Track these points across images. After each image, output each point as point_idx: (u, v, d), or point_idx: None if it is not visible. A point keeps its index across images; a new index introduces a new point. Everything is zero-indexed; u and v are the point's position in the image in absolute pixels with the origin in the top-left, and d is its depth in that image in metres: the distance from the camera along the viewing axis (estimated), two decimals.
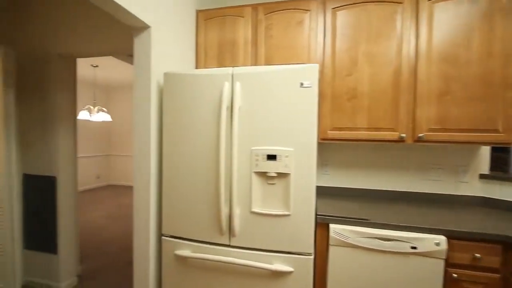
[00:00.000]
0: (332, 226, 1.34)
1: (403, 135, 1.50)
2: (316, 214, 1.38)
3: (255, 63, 1.75)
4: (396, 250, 1.24)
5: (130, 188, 6.34)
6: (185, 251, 1.39)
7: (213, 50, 1.83)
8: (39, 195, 2.13)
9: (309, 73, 1.19)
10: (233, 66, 1.32)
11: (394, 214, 1.42)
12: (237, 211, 1.28)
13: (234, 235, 1.30)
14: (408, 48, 1.51)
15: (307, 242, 1.23)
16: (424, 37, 1.49)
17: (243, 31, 1.77)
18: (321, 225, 1.38)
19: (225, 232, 1.31)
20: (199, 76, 1.34)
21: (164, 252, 1.44)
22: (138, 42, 1.42)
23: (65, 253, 2.16)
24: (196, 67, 1.87)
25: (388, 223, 1.27)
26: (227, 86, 1.27)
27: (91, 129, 6.08)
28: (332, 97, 1.62)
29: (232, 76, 1.29)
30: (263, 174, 1.26)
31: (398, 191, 1.82)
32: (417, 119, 1.50)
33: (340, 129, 1.60)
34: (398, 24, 1.53)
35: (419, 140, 1.50)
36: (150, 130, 1.41)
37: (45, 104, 2.09)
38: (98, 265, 2.59)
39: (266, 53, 1.73)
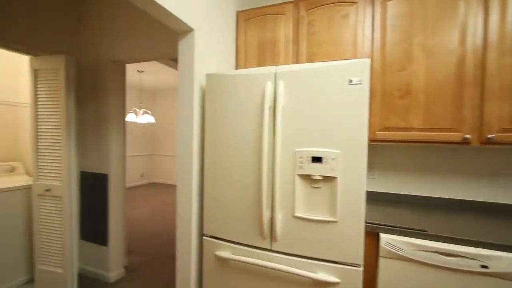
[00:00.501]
0: (383, 236, 1.23)
1: (468, 136, 1.32)
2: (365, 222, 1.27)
3: (297, 61, 1.69)
4: (461, 268, 1.08)
5: (171, 187, 6.67)
6: (225, 253, 1.38)
7: (253, 50, 1.81)
8: (93, 191, 2.32)
9: (359, 69, 1.10)
10: (275, 65, 1.28)
11: (457, 226, 1.25)
12: (279, 215, 1.24)
13: (275, 240, 1.25)
14: (474, 37, 1.33)
15: (356, 252, 1.13)
16: (495, 24, 1.29)
17: (284, 29, 1.72)
18: (370, 234, 1.27)
19: (266, 236, 1.28)
20: (241, 76, 1.33)
21: (205, 251, 1.45)
22: (182, 45, 1.46)
23: (114, 246, 2.32)
24: (236, 68, 1.87)
25: (453, 236, 1.12)
26: (269, 85, 1.23)
27: (136, 130, 6.53)
28: (381, 95, 1.49)
29: (275, 75, 1.25)
30: (307, 177, 1.20)
31: (459, 200, 1.61)
32: (485, 118, 1.30)
33: (390, 129, 1.47)
34: (461, 9, 1.35)
35: (487, 142, 1.30)
36: (193, 131, 1.43)
37: (99, 107, 2.27)
38: (142, 258, 2.74)
39: (308, 50, 1.66)
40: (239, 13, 1.86)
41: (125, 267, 2.50)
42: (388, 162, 1.77)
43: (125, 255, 2.55)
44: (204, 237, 1.46)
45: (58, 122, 2.04)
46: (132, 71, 4.75)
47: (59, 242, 2.09)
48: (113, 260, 2.31)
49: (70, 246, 2.08)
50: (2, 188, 2.07)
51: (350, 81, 1.11)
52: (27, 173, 2.62)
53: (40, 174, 2.13)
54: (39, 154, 2.13)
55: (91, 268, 2.36)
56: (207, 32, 1.53)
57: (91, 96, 2.30)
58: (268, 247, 1.28)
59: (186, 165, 1.46)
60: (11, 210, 2.12)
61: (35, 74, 2.10)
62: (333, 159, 1.14)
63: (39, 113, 2.11)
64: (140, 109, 4.77)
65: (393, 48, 1.47)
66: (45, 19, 2.12)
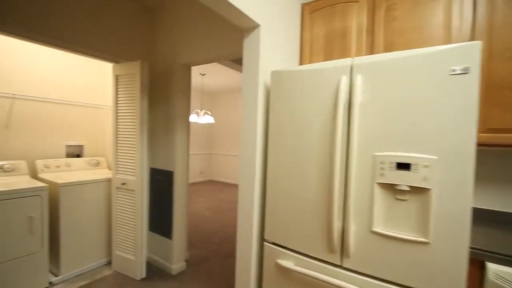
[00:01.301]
0: (491, 266, 0.96)
1: None
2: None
3: (371, 53, 1.49)
4: None
5: (228, 185, 6.89)
6: (287, 262, 1.28)
7: (319, 44, 1.67)
8: (160, 186, 2.49)
9: (466, 54, 0.87)
10: (351, 58, 1.13)
11: None
12: (352, 227, 1.08)
13: (347, 256, 1.10)
14: None
15: (454, 283, 0.91)
16: None
17: (356, 18, 1.54)
18: (472, 262, 1.01)
19: (336, 250, 1.13)
20: (310, 71, 1.21)
21: (266, 258, 1.38)
22: (247, 42, 1.42)
23: (178, 239, 2.44)
24: (300, 64, 1.75)
25: None
26: (344, 80, 1.09)
27: (196, 130, 6.94)
28: (486, 88, 1.19)
29: (351, 67, 1.09)
30: (389, 187, 1.01)
31: None
32: None
33: (501, 130, 1.16)
34: None
35: None
36: (256, 131, 1.38)
37: (167, 108, 2.42)
38: (202, 253, 2.84)
39: (386, 39, 1.44)
40: (304, 6, 1.74)
41: (186, 261, 2.62)
42: (493, 172, 1.42)
43: (186, 249, 2.67)
44: (265, 243, 1.38)
45: (133, 122, 2.24)
46: (195, 75, 5.04)
47: (131, 232, 2.29)
48: (176, 253, 2.43)
49: (141, 236, 2.26)
50: (90, 180, 2.36)
51: (452, 70, 0.89)
52: (109, 167, 2.96)
53: (118, 169, 2.37)
54: (118, 151, 2.37)
55: (157, 258, 2.53)
56: (272, 27, 1.46)
57: (161, 98, 2.47)
58: (338, 263, 1.14)
59: (249, 166, 1.41)
60: (96, 199, 2.41)
61: (116, 79, 2.34)
62: (425, 166, 0.93)
63: (118, 114, 2.35)
64: (201, 110, 5.03)
65: (507, 29, 1.16)
66: (125, 30, 2.35)
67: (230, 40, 2.02)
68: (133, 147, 2.25)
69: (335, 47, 1.61)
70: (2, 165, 2.20)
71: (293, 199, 1.27)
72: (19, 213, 1.90)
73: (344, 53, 1.57)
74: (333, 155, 1.12)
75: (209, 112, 5.02)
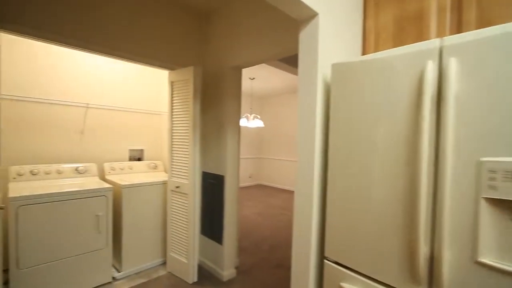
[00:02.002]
0: None
1: None
2: None
3: (457, 33, 1.20)
4: None
5: (277, 190, 6.77)
6: None
7: (387, 29, 1.43)
8: (211, 190, 2.48)
9: None
10: (439, 39, 0.90)
11: None
12: (446, 255, 0.84)
13: None
14: None
15: None
16: None
17: None
18: None
19: (422, 281, 0.90)
20: (382, 60, 1.01)
21: (327, 279, 1.20)
22: (304, 35, 1.28)
23: (228, 245, 2.39)
24: (363, 54, 1.54)
25: None
26: (431, 66, 0.86)
27: (246, 134, 7.00)
28: None
29: (440, 50, 0.86)
30: (503, 204, 0.75)
31: None
32: None
33: None
34: None
35: None
36: (315, 133, 1.22)
37: (219, 112, 2.41)
38: (252, 261, 2.74)
39: (479, 15, 1.15)
40: None
41: (236, 267, 2.56)
42: None
43: (237, 255, 2.60)
44: (326, 261, 1.20)
45: (187, 127, 2.28)
46: (244, 79, 5.08)
47: (184, 234, 2.32)
48: (227, 259, 2.39)
49: (193, 239, 2.27)
50: (148, 182, 2.48)
51: None
52: (165, 171, 3.11)
53: (172, 172, 2.44)
54: (173, 155, 2.44)
55: (208, 262, 2.52)
56: (331, 16, 1.29)
57: (213, 102, 2.48)
58: None
59: (306, 173, 1.25)
60: (153, 201, 2.52)
61: (172, 85, 2.43)
62: None
63: (173, 119, 2.42)
64: (251, 114, 5.03)
65: None
66: (180, 38, 2.43)
67: (282, 37, 1.90)
68: (186, 151, 2.29)
69: (408, 32, 1.36)
70: (77, 167, 2.45)
71: (361, 212, 1.07)
72: (88, 212, 2.08)
73: (420, 38, 1.31)
74: (417, 161, 0.90)
75: (258, 116, 4.98)
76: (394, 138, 0.97)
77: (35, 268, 1.84)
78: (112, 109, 2.82)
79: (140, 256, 2.44)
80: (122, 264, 2.33)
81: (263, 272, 2.51)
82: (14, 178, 2.12)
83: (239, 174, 2.48)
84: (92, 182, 2.33)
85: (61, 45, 1.87)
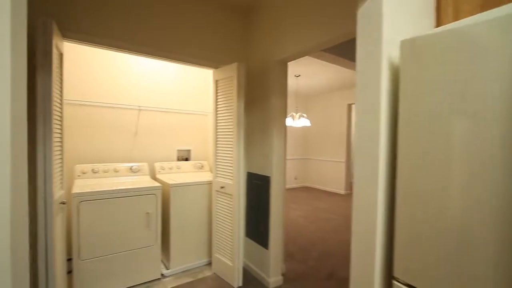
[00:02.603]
0: None
1: None
2: None
3: None
4: None
5: (325, 193, 6.42)
6: None
7: None
8: (256, 191, 2.38)
9: None
10: None
11: None
12: None
13: None
14: None
15: None
16: None
17: None
18: None
19: None
20: (479, 27, 0.77)
21: None
22: (363, 11, 1.08)
23: (274, 250, 2.25)
24: (437, 26, 1.25)
25: None
26: None
27: (291, 134, 6.80)
28: None
29: None
30: None
31: None
32: None
33: None
34: None
35: None
36: (379, 129, 1.01)
37: (264, 110, 2.30)
38: (300, 268, 2.56)
39: None
40: None
41: (283, 275, 2.41)
42: None
43: (283, 261, 2.45)
44: (396, 283, 0.98)
45: (231, 126, 2.22)
46: (289, 77, 4.91)
47: (229, 236, 2.26)
48: (273, 265, 2.25)
49: (238, 242, 2.19)
50: (194, 182, 2.50)
51: None
52: (211, 170, 3.12)
53: (217, 172, 2.40)
54: (217, 155, 2.41)
55: (253, 266, 2.42)
56: None
57: (257, 100, 2.39)
58: None
59: (368, 177, 1.05)
60: (199, 201, 2.52)
61: (216, 84, 2.40)
62: None
63: (218, 119, 2.39)
64: (296, 113, 4.83)
65: None
66: (223, 36, 2.39)
67: (331, 23, 1.70)
68: (231, 151, 2.23)
69: None
70: (131, 166, 2.59)
71: (446, 223, 0.84)
72: (139, 209, 2.15)
73: None
74: None
75: (304, 115, 4.76)
76: (496, 130, 0.72)
77: (93, 260, 1.96)
78: (162, 110, 2.93)
79: (187, 255, 2.46)
80: (170, 262, 2.37)
81: (312, 283, 2.31)
82: (79, 176, 2.31)
83: (285, 175, 2.33)
84: (144, 181, 2.42)
85: (112, 49, 1.97)
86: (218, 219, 2.39)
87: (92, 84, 2.54)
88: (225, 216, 2.30)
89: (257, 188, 2.37)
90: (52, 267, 1.43)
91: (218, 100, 2.38)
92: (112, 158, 2.64)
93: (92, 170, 2.38)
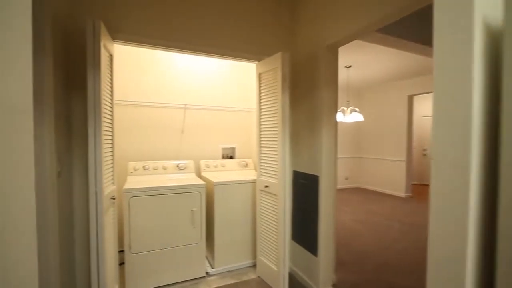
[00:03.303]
0: None
1: None
2: None
3: None
4: None
5: (379, 194, 5.84)
6: None
7: None
8: (303, 191, 2.19)
9: None
10: None
11: None
12: None
13: None
14: None
15: None
16: None
17: None
18: None
19: None
20: None
21: None
22: None
23: (324, 257, 2.04)
24: None
25: None
26: None
27: (342, 131, 6.34)
28: None
29: None
30: None
31: None
32: None
33: None
34: None
35: None
36: (471, 118, 0.74)
37: (312, 103, 2.10)
38: (353, 280, 2.29)
39: None
40: None
41: (334, 286, 2.17)
42: None
43: (334, 270, 2.21)
44: None
45: (275, 121, 2.07)
46: (339, 68, 4.53)
47: (273, 238, 2.12)
48: (323, 274, 2.04)
49: (283, 246, 2.03)
50: (238, 180, 2.42)
51: None
52: (255, 169, 3.02)
53: (261, 171, 2.28)
54: (261, 152, 2.29)
55: (300, 273, 2.24)
56: None
57: (304, 93, 2.19)
58: None
59: (454, 177, 0.79)
60: (243, 200, 2.44)
61: (259, 78, 2.28)
62: None
63: (262, 114, 2.27)
64: (347, 108, 4.44)
65: None
66: (266, 26, 2.25)
67: None
68: (275, 148, 2.08)
69: None
70: (178, 164, 2.64)
71: None
72: (185, 206, 2.16)
73: None
74: None
75: (357, 109, 4.34)
76: None
77: (143, 253, 2.02)
78: (206, 108, 2.93)
79: (231, 254, 2.40)
80: (215, 261, 2.34)
81: None
82: (131, 172, 2.43)
83: (336, 175, 2.08)
84: (190, 178, 2.44)
85: (158, 48, 2.00)
86: (262, 219, 2.27)
87: (143, 85, 2.67)
88: (270, 217, 2.17)
89: (304, 188, 2.18)
90: (102, 257, 1.48)
91: (262, 94, 2.26)
92: (161, 156, 2.73)
93: (143, 167, 2.48)
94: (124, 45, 1.93)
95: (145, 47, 2.00)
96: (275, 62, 2.03)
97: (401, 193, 5.58)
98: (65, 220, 1.55)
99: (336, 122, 2.06)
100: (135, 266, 2.01)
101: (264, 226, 2.24)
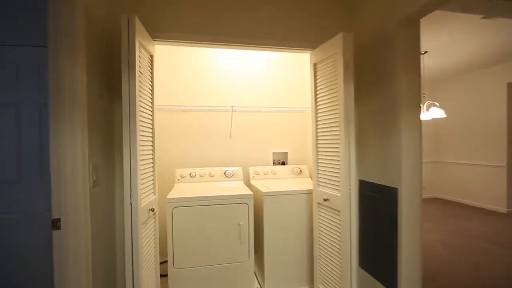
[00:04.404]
0: None
1: None
2: None
3: None
4: None
5: (465, 207, 4.75)
6: None
7: None
8: (373, 206, 1.73)
9: None
10: None
11: None
12: None
13: None
14: None
15: None
16: None
17: None
18: None
19: None
20: None
21: None
22: None
23: None
24: None
25: None
26: None
27: None
28: None
29: None
30: None
31: None
32: None
33: None
34: None
35: None
36: None
37: (384, 96, 1.64)
38: None
39: None
40: None
41: None
42: None
43: None
44: None
45: (335, 119, 1.69)
46: None
47: (336, 264, 1.72)
48: None
49: (349, 274, 1.62)
50: (290, 191, 2.10)
51: None
52: (311, 177, 2.63)
53: (319, 180, 1.90)
54: (318, 158, 1.91)
55: None
56: None
57: (373, 84, 1.74)
58: None
59: None
60: (297, 213, 2.09)
61: (314, 69, 1.92)
62: None
63: (318, 112, 1.90)
64: (424, 102, 3.68)
65: None
66: (318, 6, 1.89)
67: None
68: (336, 153, 1.69)
69: None
70: (225, 171, 2.44)
71: None
72: (231, 219, 1.92)
73: None
74: None
75: (436, 104, 3.55)
76: None
77: (186, 269, 1.84)
78: (255, 110, 2.68)
79: (283, 277, 2.06)
80: (265, 282, 2.04)
81: None
82: (178, 180, 2.32)
83: (421, 187, 1.56)
84: (236, 187, 2.20)
85: (204, 45, 1.85)
86: (321, 239, 1.88)
87: (188, 89, 2.57)
88: (331, 237, 1.77)
89: (374, 202, 1.71)
90: (137, 271, 1.33)
91: (318, 88, 1.89)
92: (209, 162, 2.57)
93: (190, 174, 2.35)
94: (167, 44, 1.80)
95: (189, 45, 1.86)
96: (335, 46, 1.65)
97: (501, 208, 4.40)
98: (108, 228, 1.53)
99: (419, 119, 1.56)
100: (179, 282, 1.84)
101: (324, 247, 1.85)
